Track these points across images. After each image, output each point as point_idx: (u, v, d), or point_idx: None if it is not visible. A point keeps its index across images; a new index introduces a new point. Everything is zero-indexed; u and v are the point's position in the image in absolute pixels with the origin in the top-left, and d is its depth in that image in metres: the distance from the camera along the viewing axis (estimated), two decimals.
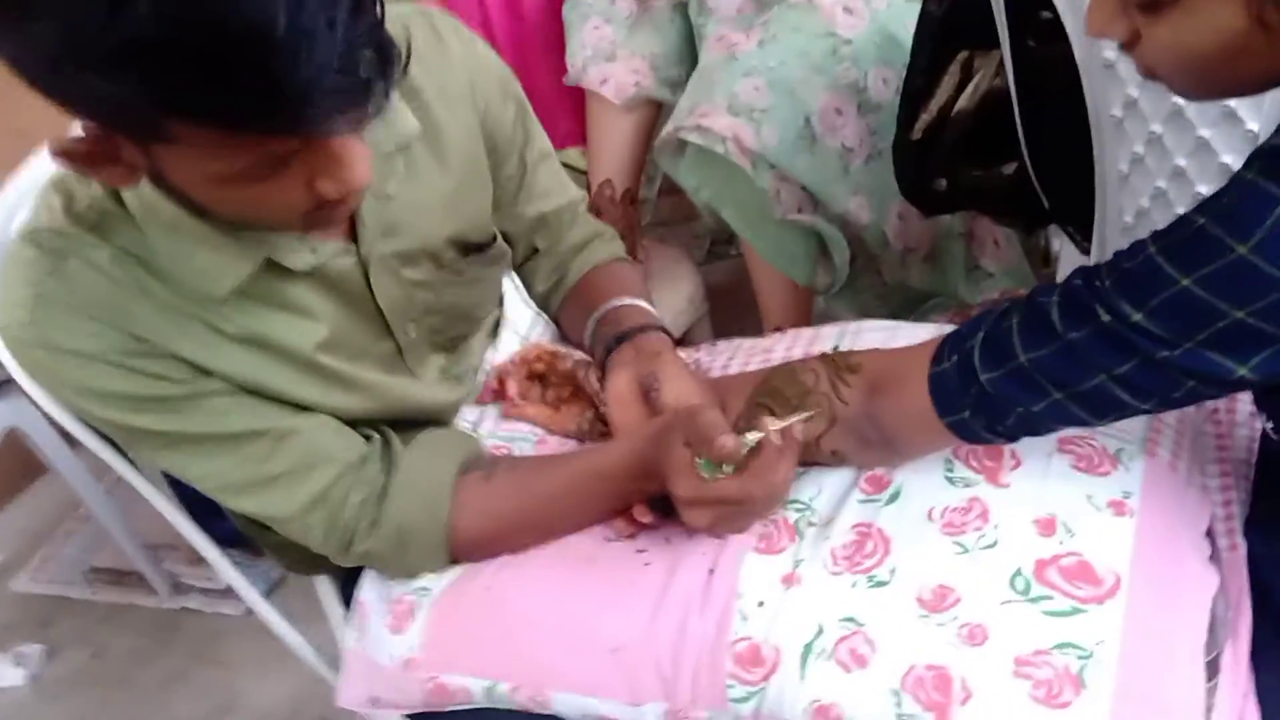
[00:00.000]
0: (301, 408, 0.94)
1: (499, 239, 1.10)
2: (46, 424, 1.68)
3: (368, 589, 1.03)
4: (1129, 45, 0.75)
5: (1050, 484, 0.89)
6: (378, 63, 0.68)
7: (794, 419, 0.87)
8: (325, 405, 0.96)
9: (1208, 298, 0.68)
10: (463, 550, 0.99)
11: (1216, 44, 0.69)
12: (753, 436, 0.85)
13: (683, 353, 1.17)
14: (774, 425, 0.86)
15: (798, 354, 1.10)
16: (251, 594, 1.17)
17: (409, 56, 0.74)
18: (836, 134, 1.65)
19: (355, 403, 0.98)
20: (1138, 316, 0.71)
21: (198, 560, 1.62)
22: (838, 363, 0.92)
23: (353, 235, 0.94)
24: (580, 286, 1.18)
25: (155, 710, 1.86)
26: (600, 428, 1.07)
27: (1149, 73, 0.76)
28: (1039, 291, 0.78)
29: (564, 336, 1.22)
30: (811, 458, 0.94)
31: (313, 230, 0.88)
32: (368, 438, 0.99)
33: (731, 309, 2.24)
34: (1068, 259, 1.66)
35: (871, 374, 0.90)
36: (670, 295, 1.91)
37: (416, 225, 0.99)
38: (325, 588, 1.18)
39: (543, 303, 1.22)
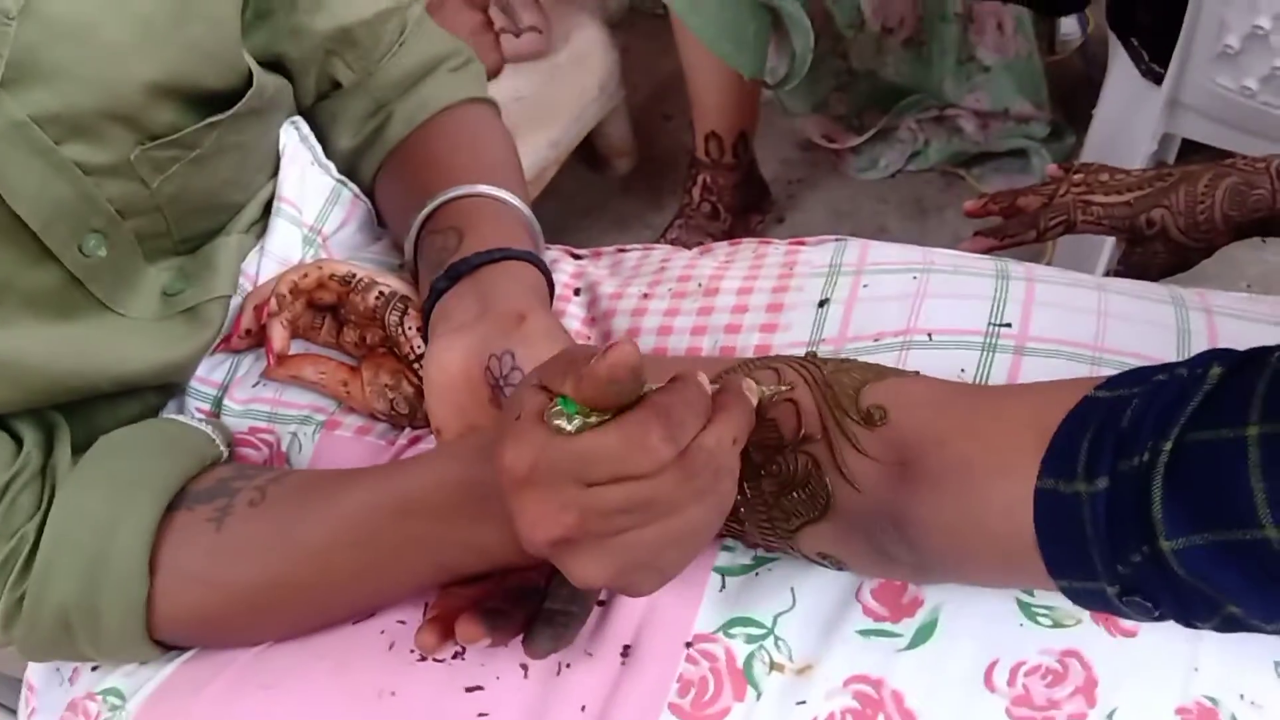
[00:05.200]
0: None
1: (256, 78, 0.63)
2: None
3: (34, 666, 0.65)
4: None
5: (1208, 637, 0.50)
6: None
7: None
8: None
9: None
10: (172, 635, 0.59)
11: None
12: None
13: (565, 266, 0.73)
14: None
15: (760, 292, 0.65)
16: None
17: None
18: None
19: None
20: None
21: None
22: (842, 394, 0.50)
23: None
24: (408, 151, 0.72)
25: None
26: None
27: None
28: None
29: (380, 221, 0.76)
30: (779, 549, 0.54)
31: None
32: (19, 441, 0.58)
33: (655, 93, 1.82)
34: (1117, 83, 1.22)
35: (909, 437, 0.48)
36: (577, 80, 1.51)
37: (82, 65, 0.55)
38: None
39: (348, 168, 0.75)
